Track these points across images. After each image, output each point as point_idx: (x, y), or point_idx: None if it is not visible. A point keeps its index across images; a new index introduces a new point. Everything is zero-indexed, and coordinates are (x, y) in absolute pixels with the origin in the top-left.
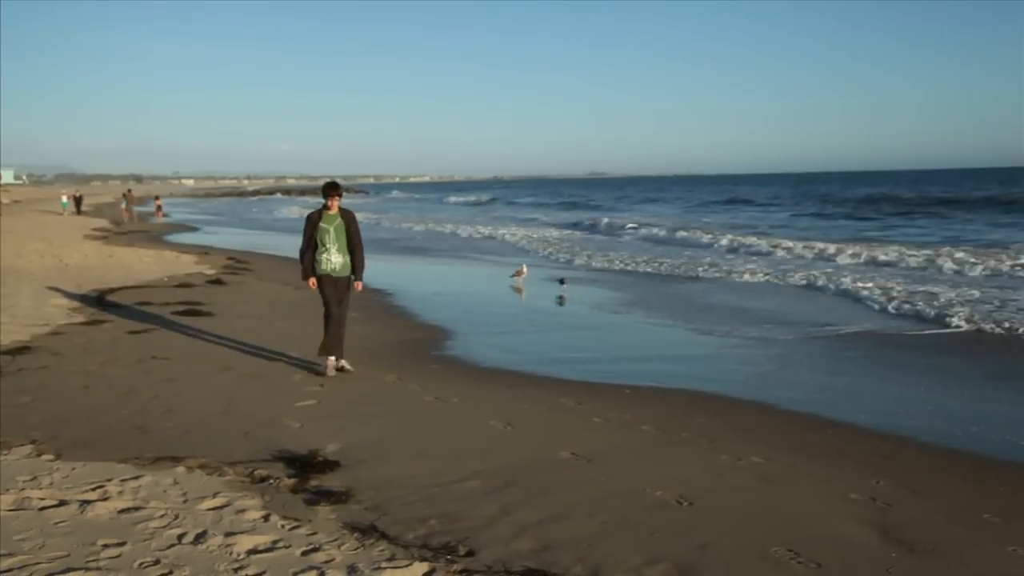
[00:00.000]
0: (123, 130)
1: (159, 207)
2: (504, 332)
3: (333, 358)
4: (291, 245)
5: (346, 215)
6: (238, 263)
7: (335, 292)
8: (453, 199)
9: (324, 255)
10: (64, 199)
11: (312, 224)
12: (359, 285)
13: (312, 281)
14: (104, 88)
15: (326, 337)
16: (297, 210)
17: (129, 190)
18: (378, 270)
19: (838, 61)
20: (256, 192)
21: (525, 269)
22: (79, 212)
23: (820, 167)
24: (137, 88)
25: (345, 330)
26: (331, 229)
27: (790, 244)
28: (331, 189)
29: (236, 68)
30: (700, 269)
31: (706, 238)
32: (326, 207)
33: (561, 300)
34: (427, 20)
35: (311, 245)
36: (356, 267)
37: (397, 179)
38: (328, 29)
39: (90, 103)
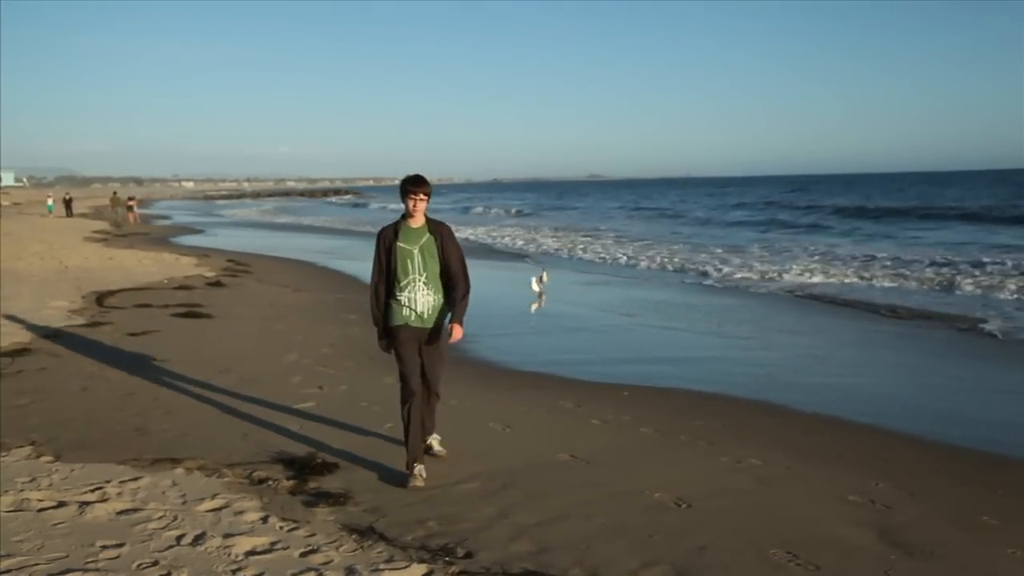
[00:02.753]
0: (123, 133)
1: (131, 207)
2: (503, 334)
3: (420, 465)
4: (290, 246)
5: (438, 229)
6: (238, 265)
7: (422, 352)
8: (479, 209)
9: (405, 294)
10: (50, 202)
11: (385, 245)
12: (458, 331)
13: (385, 344)
14: (104, 91)
15: (408, 437)
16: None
17: (115, 193)
18: None
19: (839, 63)
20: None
21: (546, 276)
22: (69, 214)
23: (828, 170)
24: (137, 91)
25: (439, 401)
26: (415, 252)
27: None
28: (414, 186)
29: (236, 70)
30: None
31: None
32: (405, 217)
33: (539, 300)
34: (426, 23)
35: (385, 279)
36: (455, 301)
37: (396, 181)
38: (327, 31)
39: (90, 106)
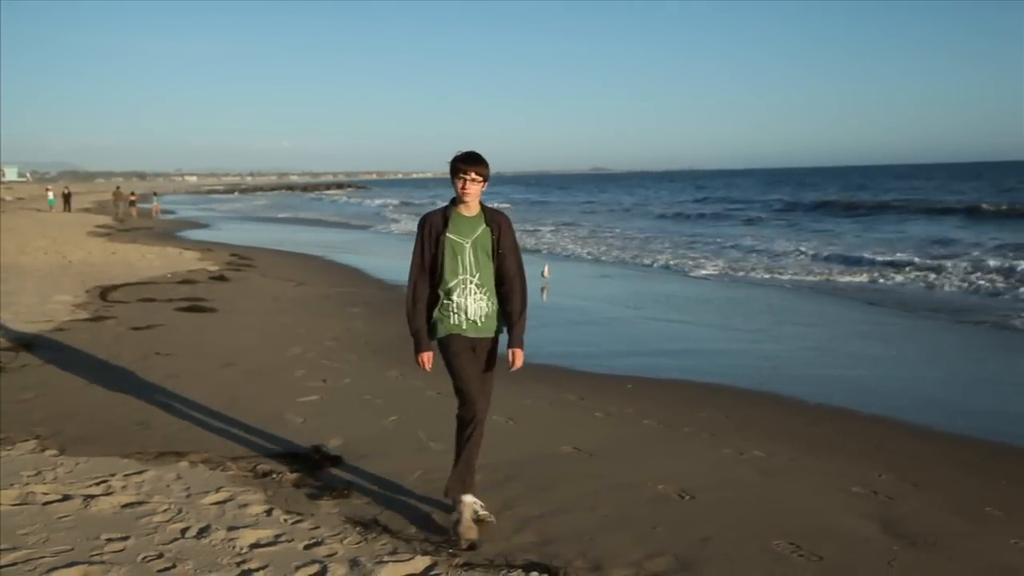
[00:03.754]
0: (126, 127)
1: (132, 202)
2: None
3: (470, 496)
4: (293, 240)
5: (495, 220)
6: (241, 259)
7: (475, 365)
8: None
9: (455, 297)
10: (50, 196)
11: (432, 236)
12: (519, 357)
13: (425, 359)
14: (107, 86)
15: (458, 461)
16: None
17: (118, 187)
18: (389, 267)
19: (838, 57)
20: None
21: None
22: (67, 209)
23: (834, 162)
24: (140, 85)
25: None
26: (467, 246)
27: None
28: (467, 164)
29: (238, 65)
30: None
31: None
32: (456, 202)
33: (543, 292)
34: (429, 16)
35: (427, 277)
36: (513, 316)
37: (400, 175)
38: (329, 25)
39: (93, 101)
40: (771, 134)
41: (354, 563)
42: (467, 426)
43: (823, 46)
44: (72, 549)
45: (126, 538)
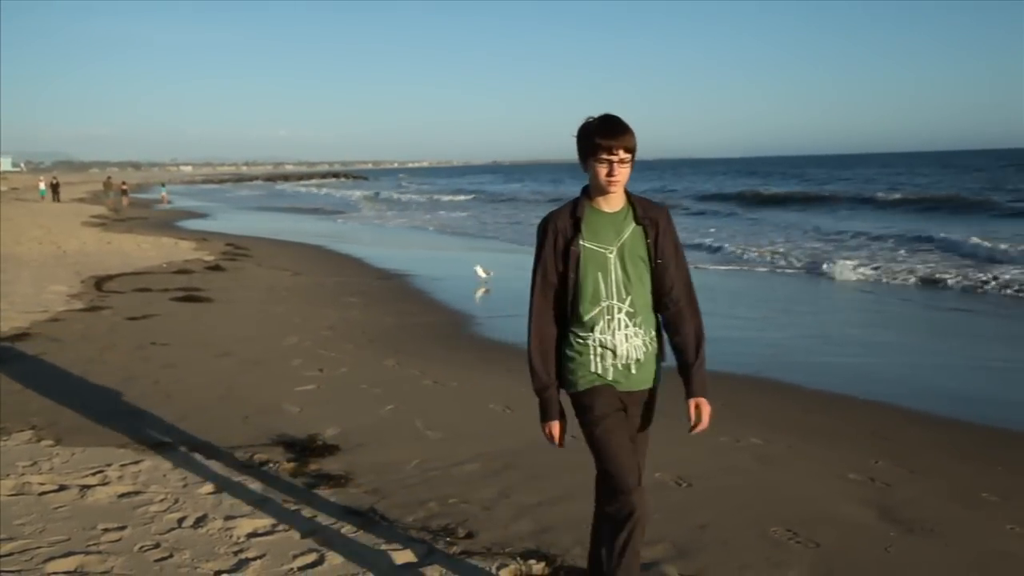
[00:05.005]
0: (121, 117)
1: (124, 191)
2: (503, 316)
3: None
4: (290, 230)
5: (650, 215)
6: (237, 249)
7: (626, 432)
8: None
9: (597, 333)
10: (42, 186)
11: (558, 246)
12: (706, 411)
13: (555, 430)
14: (102, 75)
15: None
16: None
17: (109, 178)
18: (389, 256)
19: (836, 48)
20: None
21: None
22: (56, 199)
23: (828, 150)
24: (135, 75)
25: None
26: (611, 258)
27: None
28: (608, 136)
29: (233, 54)
30: None
31: None
32: (590, 194)
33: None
34: (424, 4)
35: (554, 303)
36: (687, 352)
37: (396, 164)
38: (324, 14)
39: (88, 90)
40: (768, 124)
41: (352, 552)
42: (621, 528)
43: (825, 30)
44: (69, 539)
45: (123, 528)
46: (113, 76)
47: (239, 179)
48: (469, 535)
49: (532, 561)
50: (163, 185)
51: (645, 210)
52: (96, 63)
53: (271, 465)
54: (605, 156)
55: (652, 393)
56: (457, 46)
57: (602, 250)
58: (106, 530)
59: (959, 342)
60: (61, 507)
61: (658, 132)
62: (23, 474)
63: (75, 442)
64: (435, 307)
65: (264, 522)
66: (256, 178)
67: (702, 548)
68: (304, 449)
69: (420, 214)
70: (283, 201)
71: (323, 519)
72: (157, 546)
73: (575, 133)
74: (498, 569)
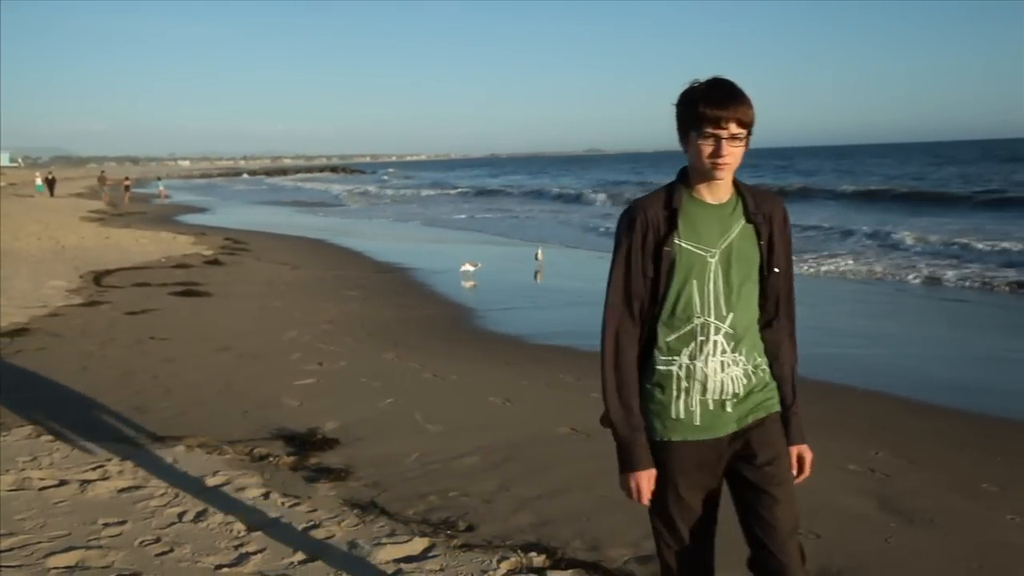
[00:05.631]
0: (119, 112)
1: (127, 187)
2: (503, 309)
3: None
4: (289, 223)
5: (763, 207)
6: (235, 243)
7: (709, 502)
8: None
9: (683, 359)
10: (38, 181)
11: (647, 246)
12: (808, 458)
13: (643, 483)
14: (99, 71)
15: None
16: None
17: (103, 172)
18: (391, 249)
19: (832, 38)
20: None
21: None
22: (52, 194)
23: (821, 141)
24: (132, 70)
25: None
26: (712, 262)
27: None
28: (719, 105)
29: (231, 48)
30: None
31: None
32: (689, 180)
33: (536, 275)
34: None
35: (638, 321)
36: (786, 385)
37: (393, 158)
38: (321, 8)
39: (86, 86)
40: (765, 115)
41: (352, 545)
42: None
43: (823, 23)
44: (69, 534)
45: (123, 523)
46: (110, 71)
47: (230, 174)
48: (469, 528)
49: (532, 554)
50: (159, 179)
51: (758, 203)
52: (93, 58)
53: (271, 459)
54: (711, 130)
55: (769, 421)
56: (453, 38)
57: (702, 252)
58: (106, 525)
59: (958, 333)
60: (61, 502)
61: (658, 124)
62: (23, 469)
63: (75, 437)
64: (434, 300)
65: (264, 516)
66: (244, 172)
67: None
68: (304, 443)
69: (393, 208)
70: (270, 196)
71: (323, 513)
72: (158, 540)
73: (676, 100)
74: (499, 562)
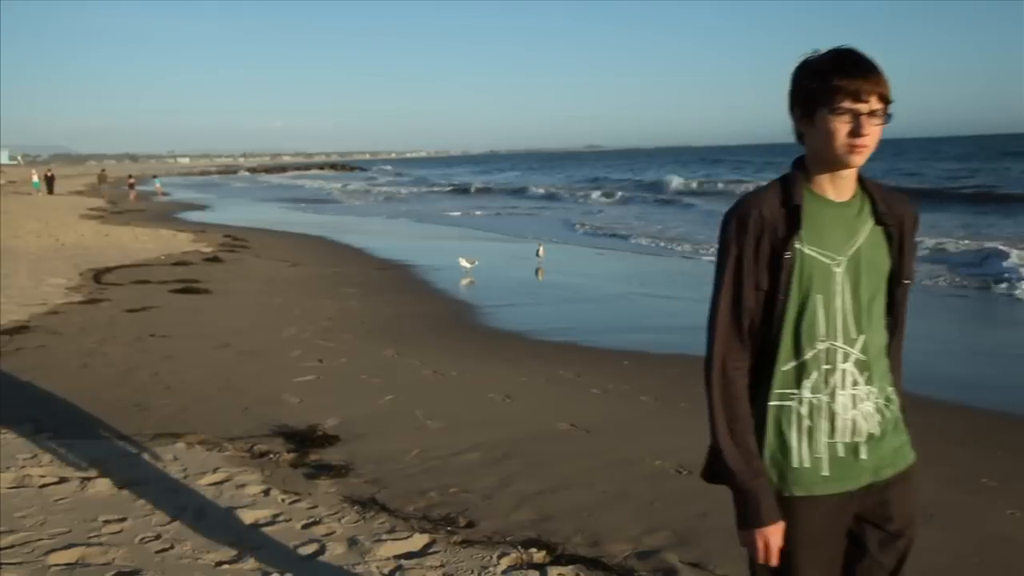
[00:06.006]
0: (118, 110)
1: (132, 185)
2: (502, 306)
3: None
4: (288, 220)
5: (895, 208)
6: (235, 240)
7: (834, 566)
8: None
9: (806, 392)
10: (35, 179)
11: (763, 250)
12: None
13: (771, 537)
14: (99, 68)
15: None
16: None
17: (103, 170)
18: (390, 247)
19: (832, 35)
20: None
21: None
22: (50, 192)
23: None
24: (132, 68)
25: None
26: (839, 273)
27: None
28: (859, 77)
29: (231, 46)
30: None
31: None
32: (807, 172)
33: (538, 272)
34: None
35: (747, 343)
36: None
37: (393, 155)
38: (320, 6)
39: (85, 83)
40: (763, 110)
41: (352, 542)
42: None
43: (821, 16)
44: (70, 531)
45: (123, 519)
46: (109, 69)
47: (228, 171)
48: (470, 524)
49: (533, 550)
50: (155, 177)
51: (889, 203)
52: (93, 56)
53: (271, 456)
54: (849, 105)
55: (904, 479)
56: (453, 35)
57: (827, 260)
58: (107, 522)
59: (959, 327)
60: (62, 499)
61: (658, 120)
62: (23, 466)
63: (75, 434)
64: (434, 297)
65: (265, 513)
66: (242, 169)
67: (703, 536)
68: (304, 440)
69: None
70: (268, 193)
71: (324, 509)
72: (158, 537)
73: (794, 74)
74: (499, 558)
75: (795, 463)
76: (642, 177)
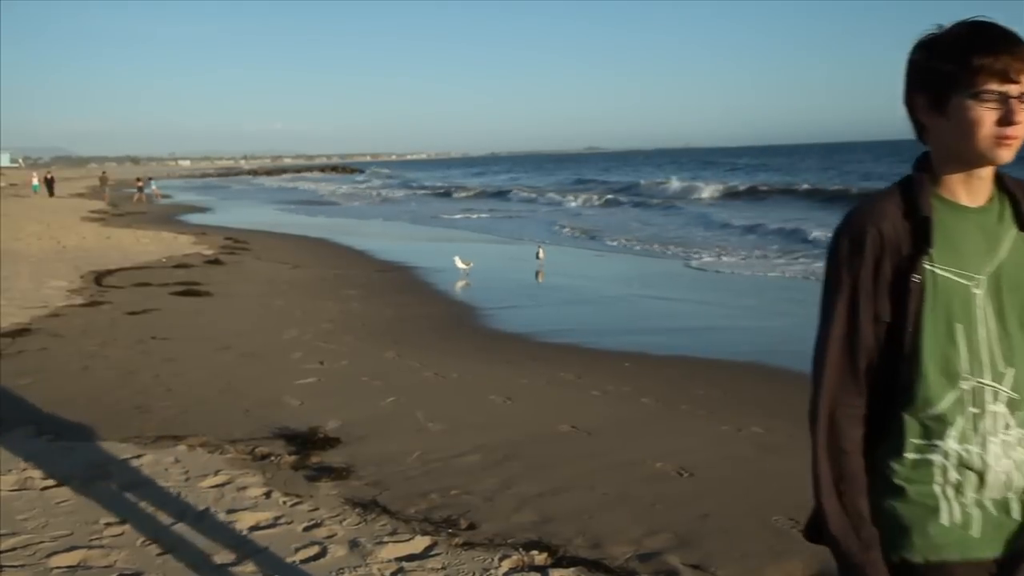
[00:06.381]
0: (119, 112)
1: (140, 187)
2: (503, 308)
3: None
4: (289, 222)
5: None
6: (236, 243)
7: None
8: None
9: (951, 443)
10: (35, 182)
11: (888, 268)
12: None
13: None
14: (99, 71)
15: None
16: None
17: (104, 173)
18: (388, 248)
19: (832, 36)
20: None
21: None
22: (51, 195)
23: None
24: (133, 70)
25: None
26: (978, 292)
27: None
28: (1001, 47)
29: (232, 48)
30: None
31: None
32: (935, 173)
33: (538, 275)
34: None
35: (864, 381)
36: None
37: (394, 157)
38: (320, 7)
39: (86, 86)
40: (765, 113)
41: (354, 544)
42: None
43: (823, 16)
44: (71, 534)
45: (125, 522)
46: (110, 71)
47: (229, 173)
48: (471, 526)
49: (534, 552)
50: (151, 179)
51: None
52: (93, 58)
53: (273, 458)
54: (996, 87)
55: None
56: (453, 37)
57: (965, 281)
58: (108, 524)
59: None
60: (63, 502)
61: (659, 121)
62: (25, 469)
63: (76, 436)
64: (435, 299)
65: (266, 515)
66: (242, 172)
67: (704, 537)
68: (305, 442)
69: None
70: (267, 196)
71: (325, 512)
72: (159, 540)
73: (914, 54)
74: (500, 560)
75: (946, 522)
76: (633, 179)
